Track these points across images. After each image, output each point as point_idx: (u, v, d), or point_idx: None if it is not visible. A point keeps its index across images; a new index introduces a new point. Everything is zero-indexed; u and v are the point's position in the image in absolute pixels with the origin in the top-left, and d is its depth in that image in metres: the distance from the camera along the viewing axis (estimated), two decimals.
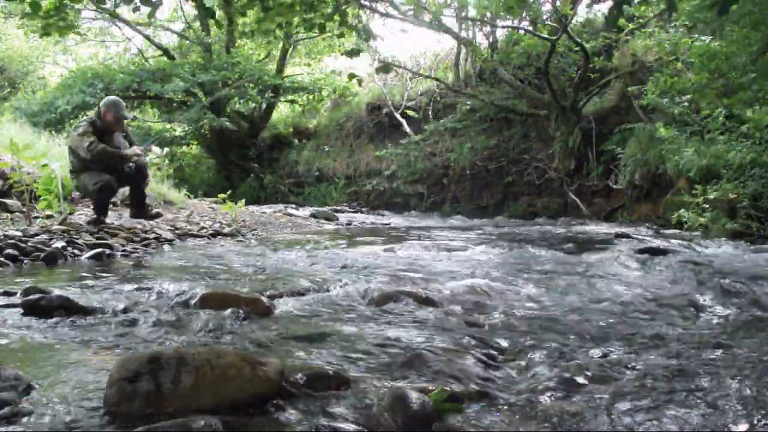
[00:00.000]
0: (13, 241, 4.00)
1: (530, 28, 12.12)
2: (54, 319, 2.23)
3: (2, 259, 3.65)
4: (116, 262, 4.15)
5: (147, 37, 17.40)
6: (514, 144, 13.29)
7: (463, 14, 12.41)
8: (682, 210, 7.15)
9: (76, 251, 4.18)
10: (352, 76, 6.82)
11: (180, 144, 18.17)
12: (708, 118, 7.74)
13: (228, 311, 2.38)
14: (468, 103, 13.86)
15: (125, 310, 2.43)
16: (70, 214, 5.54)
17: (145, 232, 5.49)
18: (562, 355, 1.91)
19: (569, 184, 11.76)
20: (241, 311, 2.39)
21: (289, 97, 17.50)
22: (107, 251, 4.28)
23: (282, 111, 19.04)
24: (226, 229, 6.56)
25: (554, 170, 12.13)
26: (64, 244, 4.23)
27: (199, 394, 1.36)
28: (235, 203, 8.24)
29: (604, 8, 12.14)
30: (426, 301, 2.68)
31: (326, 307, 2.60)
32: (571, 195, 11.53)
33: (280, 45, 16.26)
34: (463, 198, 13.66)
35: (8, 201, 5.66)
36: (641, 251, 4.70)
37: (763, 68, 5.85)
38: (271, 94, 16.14)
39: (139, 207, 5.61)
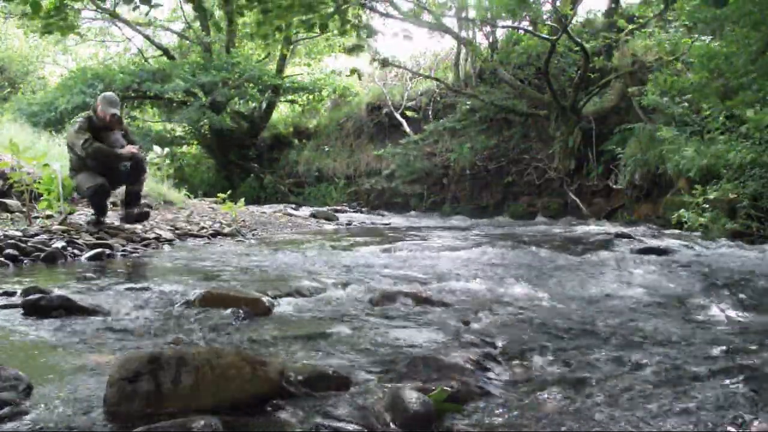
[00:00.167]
0: (13, 241, 4.00)
1: (530, 28, 12.13)
2: (54, 319, 2.23)
3: (2, 259, 3.65)
4: (116, 262, 4.15)
5: (147, 37, 17.40)
6: (514, 144, 13.29)
7: (464, 15, 12.42)
8: (682, 210, 7.15)
9: (76, 251, 4.18)
10: (353, 71, 6.85)
11: (180, 144, 18.17)
12: (708, 118, 7.74)
13: (228, 311, 2.38)
14: (468, 103, 13.86)
15: (125, 310, 2.43)
16: (70, 214, 5.53)
17: (145, 232, 5.49)
18: (562, 355, 1.91)
19: (569, 184, 11.76)
20: (241, 311, 2.39)
21: (289, 97, 17.51)
22: (107, 251, 4.28)
23: (282, 111, 19.03)
24: (226, 229, 6.56)
25: (554, 170, 12.13)
26: (64, 244, 4.23)
27: (199, 394, 1.36)
28: (235, 203, 8.24)
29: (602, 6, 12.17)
30: (426, 301, 2.68)
31: (326, 307, 2.60)
32: (571, 195, 11.53)
33: (280, 46, 16.27)
34: (463, 198, 13.66)
35: (8, 201, 5.65)
36: (641, 251, 4.70)
37: (763, 68, 5.85)
38: (271, 94, 16.14)
39: (128, 207, 5.41)
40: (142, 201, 7.14)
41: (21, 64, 20.68)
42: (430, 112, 15.20)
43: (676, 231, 6.97)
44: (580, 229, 7.81)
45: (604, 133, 11.10)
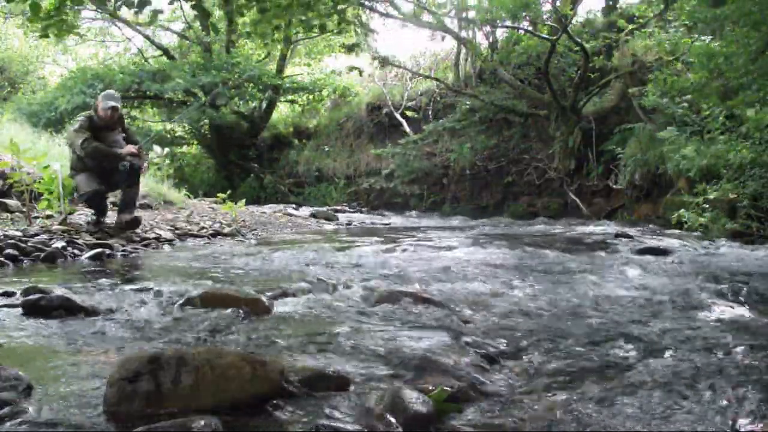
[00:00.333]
0: (13, 241, 4.00)
1: (530, 29, 12.13)
2: (54, 319, 2.23)
3: (2, 259, 3.65)
4: (116, 262, 4.15)
5: (147, 37, 17.40)
6: (514, 144, 13.29)
7: (464, 15, 12.42)
8: (682, 210, 7.15)
9: (76, 251, 4.18)
10: (352, 68, 6.87)
11: (180, 144, 18.16)
12: (708, 118, 7.75)
13: (228, 311, 2.38)
14: (467, 103, 13.86)
15: (125, 310, 2.43)
16: (70, 214, 5.53)
17: (145, 232, 5.49)
18: (562, 355, 1.91)
19: (569, 184, 11.76)
20: (241, 311, 2.39)
21: (289, 97, 17.50)
22: (107, 251, 4.28)
23: (282, 111, 19.04)
24: (226, 229, 6.56)
25: (554, 170, 12.14)
26: (64, 244, 4.23)
27: (199, 394, 1.36)
28: (235, 203, 8.24)
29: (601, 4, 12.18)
30: (426, 301, 2.68)
31: (326, 307, 2.60)
32: (571, 195, 11.53)
33: (279, 47, 16.26)
34: (463, 198, 13.66)
35: (8, 201, 5.65)
36: (641, 251, 4.71)
37: (763, 68, 5.85)
38: (271, 93, 16.13)
39: (120, 213, 5.26)
40: (143, 201, 7.15)
41: (21, 64, 20.67)
42: (430, 112, 15.21)
43: (676, 231, 6.97)
44: (580, 229, 7.81)
45: (604, 133, 11.10)
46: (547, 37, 11.22)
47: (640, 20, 10.97)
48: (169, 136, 17.30)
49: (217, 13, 15.64)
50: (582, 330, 2.25)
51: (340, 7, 4.75)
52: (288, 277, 3.42)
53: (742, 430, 1.36)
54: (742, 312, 2.62)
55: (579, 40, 10.97)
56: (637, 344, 2.05)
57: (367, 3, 11.31)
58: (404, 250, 4.88)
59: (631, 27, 11.01)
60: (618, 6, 12.12)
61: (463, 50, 14.67)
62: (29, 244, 4.04)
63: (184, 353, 1.43)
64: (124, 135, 5.34)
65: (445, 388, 1.51)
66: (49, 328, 2.13)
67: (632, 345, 2.04)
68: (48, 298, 2.37)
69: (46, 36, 4.52)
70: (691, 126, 8.17)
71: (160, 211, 7.69)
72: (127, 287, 2.90)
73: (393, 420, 1.35)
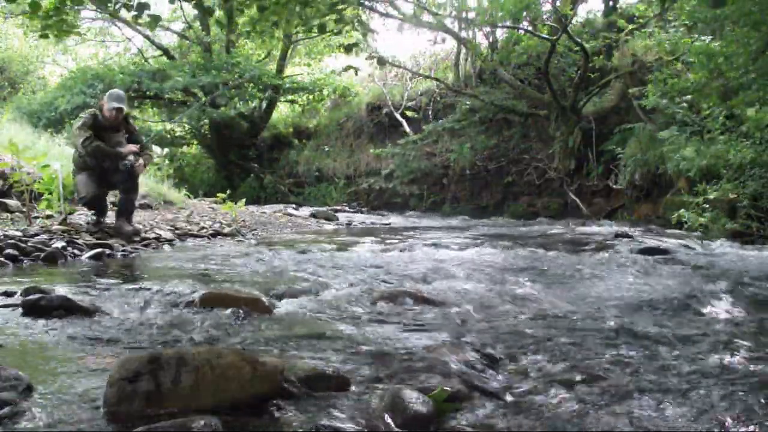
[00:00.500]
0: (13, 241, 4.00)
1: (530, 29, 12.13)
2: (54, 319, 2.23)
3: (2, 259, 3.65)
4: (116, 262, 4.15)
5: (147, 37, 17.39)
6: (514, 144, 13.29)
7: (464, 15, 12.41)
8: (682, 210, 7.16)
9: (76, 251, 4.18)
10: (349, 67, 6.88)
11: (180, 144, 18.15)
12: (708, 118, 7.75)
13: (228, 311, 2.38)
14: (467, 103, 13.86)
15: (125, 310, 2.43)
16: (70, 214, 5.53)
17: (145, 232, 5.49)
18: (562, 355, 1.91)
19: (569, 184, 11.76)
20: (241, 311, 2.39)
21: (289, 97, 17.50)
22: (107, 251, 4.28)
23: (282, 111, 19.04)
24: (226, 229, 6.56)
25: (554, 170, 12.13)
26: (64, 244, 4.23)
27: (199, 394, 1.36)
28: (235, 203, 8.24)
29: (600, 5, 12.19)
30: (426, 301, 2.68)
31: (326, 307, 2.60)
32: (571, 195, 11.53)
33: (280, 45, 16.26)
34: (463, 198, 13.66)
35: (8, 201, 5.66)
36: (641, 251, 4.71)
37: (763, 68, 5.85)
38: (271, 93, 16.13)
39: (119, 217, 5.17)
40: (143, 201, 7.14)
41: (21, 64, 20.67)
42: (430, 112, 15.21)
43: (676, 231, 6.97)
44: (580, 230, 7.81)
45: (604, 133, 11.10)
46: (547, 37, 11.22)
47: (640, 20, 10.97)
48: (169, 136, 17.30)
49: (217, 12, 15.63)
50: (582, 330, 2.25)
51: (339, 7, 4.75)
52: (288, 277, 3.42)
53: (742, 430, 1.36)
54: (742, 312, 2.62)
55: (579, 40, 10.97)
56: (637, 344, 2.05)
57: (367, 3, 11.30)
58: (404, 250, 4.88)
59: (631, 27, 11.00)
60: (618, 6, 12.12)
61: (463, 50, 14.68)
62: (29, 244, 4.04)
63: (184, 353, 1.43)
64: (127, 136, 5.23)
65: (445, 388, 1.51)
66: (49, 328, 2.13)
67: (632, 345, 2.04)
68: (48, 298, 2.37)
69: (46, 36, 4.50)
70: (691, 126, 8.17)
71: (160, 211, 7.69)
72: (127, 287, 2.90)
73: (393, 420, 1.35)
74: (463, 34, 13.69)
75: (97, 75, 14.66)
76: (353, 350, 1.91)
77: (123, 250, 4.54)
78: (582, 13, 12.89)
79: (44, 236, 4.43)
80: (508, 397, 1.56)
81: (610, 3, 11.96)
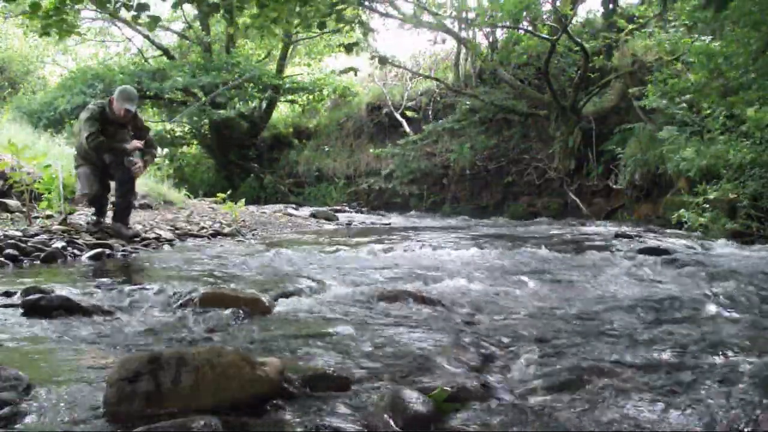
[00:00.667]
0: (13, 241, 4.01)
1: (530, 29, 12.14)
2: (54, 319, 2.23)
3: (2, 259, 3.65)
4: (116, 262, 4.15)
5: (147, 37, 17.40)
6: (514, 144, 13.29)
7: (464, 15, 12.42)
8: (682, 210, 7.16)
9: (76, 251, 4.19)
10: (349, 69, 6.89)
11: (180, 144, 18.16)
12: (708, 118, 7.75)
13: (228, 311, 2.38)
14: (467, 103, 13.86)
15: (125, 310, 2.43)
16: (70, 214, 5.53)
17: (145, 232, 5.49)
18: (562, 355, 1.91)
19: (569, 184, 11.76)
20: (241, 311, 2.39)
21: (289, 97, 17.51)
22: (107, 251, 4.29)
23: (282, 111, 19.04)
24: (226, 229, 6.56)
25: (554, 170, 12.14)
26: (64, 244, 4.23)
27: (199, 394, 1.36)
28: (235, 203, 8.24)
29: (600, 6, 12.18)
30: (426, 301, 2.68)
31: (326, 307, 2.60)
32: (571, 195, 11.53)
33: (280, 45, 16.25)
34: (463, 198, 13.66)
35: (8, 201, 5.66)
36: (641, 251, 4.70)
37: (763, 68, 5.85)
38: (271, 93, 16.13)
39: (116, 220, 5.11)
40: (143, 201, 7.14)
41: (21, 64, 20.68)
42: (430, 112, 15.21)
43: (676, 231, 6.97)
44: (580, 230, 7.81)
45: (604, 133, 11.10)
46: (547, 37, 11.22)
47: (640, 20, 10.97)
48: (169, 136, 17.30)
49: (219, 13, 15.57)
50: (582, 330, 2.25)
51: (338, 7, 4.75)
52: (288, 277, 3.42)
53: (743, 429, 1.36)
54: (742, 312, 2.62)
55: (579, 40, 10.97)
56: (638, 344, 2.05)
57: (367, 3, 11.30)
58: (404, 250, 4.88)
59: (631, 27, 11.00)
60: (618, 6, 12.10)
61: (463, 50, 14.68)
62: (29, 244, 4.04)
63: (184, 353, 1.43)
64: (132, 133, 5.11)
65: (445, 388, 1.51)
66: (49, 328, 2.13)
67: (632, 345, 2.04)
68: (48, 298, 2.37)
69: (47, 34, 4.49)
70: (691, 126, 8.17)
71: (160, 211, 7.69)
72: (127, 287, 2.90)
73: (393, 420, 1.35)
74: (463, 34, 13.69)
75: (97, 75, 14.67)
76: (353, 350, 1.91)
77: (123, 250, 4.54)
78: (582, 13, 12.90)
79: (44, 236, 4.43)
80: (508, 397, 1.56)
81: (610, 5, 11.96)
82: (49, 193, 5.30)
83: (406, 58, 17.59)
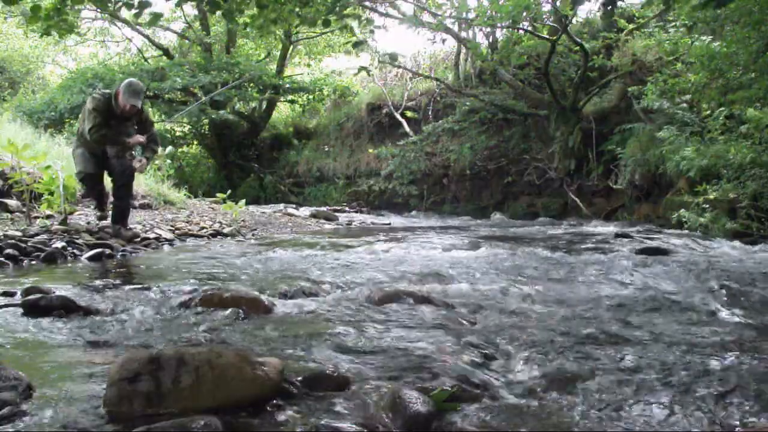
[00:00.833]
0: (13, 241, 4.01)
1: (530, 29, 12.14)
2: (54, 319, 2.23)
3: (2, 259, 3.65)
4: (116, 262, 4.15)
5: (147, 37, 17.41)
6: (514, 144, 13.29)
7: (464, 15, 12.42)
8: (682, 210, 7.16)
9: (76, 251, 4.19)
10: (362, 69, 6.89)
11: (180, 144, 18.16)
12: (708, 118, 7.75)
13: (228, 311, 2.38)
14: (467, 104, 13.85)
15: (125, 310, 2.43)
16: (70, 214, 5.53)
17: (145, 232, 5.49)
18: (562, 355, 1.91)
19: (569, 184, 11.76)
20: (240, 311, 2.39)
21: (289, 97, 17.52)
22: (107, 251, 4.29)
23: (282, 111, 19.04)
24: (226, 229, 6.56)
25: (554, 170, 12.14)
26: (64, 244, 4.23)
27: (199, 394, 1.36)
28: (235, 203, 8.23)
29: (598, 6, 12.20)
30: (425, 301, 2.68)
31: (326, 307, 2.60)
32: (571, 195, 11.53)
33: (280, 45, 16.25)
34: (463, 198, 13.66)
35: (8, 201, 5.66)
36: (641, 251, 4.70)
37: (763, 68, 5.85)
38: (272, 92, 16.13)
39: (115, 222, 5.09)
40: (143, 201, 7.14)
41: (21, 64, 20.68)
42: (430, 112, 15.20)
43: (676, 231, 6.97)
44: (580, 230, 7.81)
45: (604, 133, 11.10)
46: (547, 37, 11.22)
47: (641, 20, 10.97)
48: (169, 136, 17.31)
49: (217, 12, 15.57)
50: (582, 330, 2.25)
51: (337, 8, 4.74)
52: (288, 277, 3.42)
53: (743, 429, 1.36)
54: (742, 312, 2.62)
55: (579, 40, 10.97)
56: (638, 345, 2.05)
57: (367, 3, 11.31)
58: (404, 250, 4.88)
59: (631, 27, 11.00)
60: (618, 6, 12.11)
61: (463, 50, 14.67)
62: (29, 244, 4.04)
63: (184, 353, 1.43)
64: (136, 127, 5.02)
65: (445, 388, 1.51)
66: (49, 328, 2.13)
67: (632, 345, 2.04)
68: (48, 298, 2.37)
69: (48, 33, 4.48)
70: (691, 126, 8.17)
71: (160, 211, 7.69)
72: (127, 287, 2.90)
73: (393, 420, 1.35)
74: (463, 34, 13.69)
75: (97, 75, 14.68)
76: (353, 350, 1.91)
77: (123, 250, 4.54)
78: (582, 13, 12.90)
79: (44, 236, 4.43)
80: (508, 397, 1.56)
81: (608, 8, 11.96)
82: (50, 193, 5.30)
83: (406, 58, 17.59)
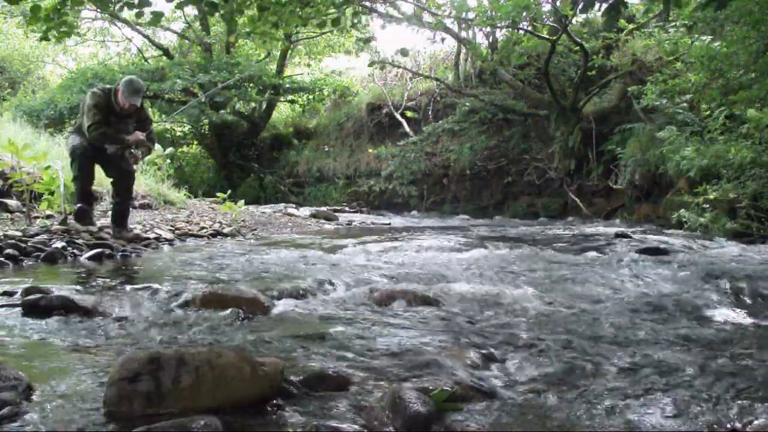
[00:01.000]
0: (13, 241, 4.01)
1: (530, 29, 12.14)
2: (54, 319, 2.23)
3: (2, 259, 3.65)
4: (116, 262, 4.15)
5: (147, 37, 17.41)
6: (514, 144, 13.29)
7: (464, 15, 12.42)
8: (682, 210, 7.16)
9: (76, 251, 4.18)
10: (373, 62, 6.89)
11: (180, 144, 18.16)
12: (708, 118, 7.75)
13: (228, 311, 2.38)
14: (467, 104, 13.86)
15: (125, 310, 2.43)
16: (70, 214, 5.53)
17: (145, 232, 5.49)
18: (561, 355, 1.91)
19: (569, 184, 11.77)
20: (240, 311, 2.39)
21: (289, 97, 17.53)
22: (107, 251, 4.28)
23: (282, 111, 19.04)
24: (226, 229, 6.56)
25: (554, 170, 12.14)
26: (64, 244, 4.23)
27: (199, 394, 1.36)
28: (235, 203, 8.23)
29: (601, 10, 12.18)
30: (426, 301, 2.68)
31: (326, 307, 2.60)
32: (571, 195, 11.53)
33: (280, 45, 16.25)
34: (463, 198, 13.66)
35: (8, 201, 5.66)
36: (641, 251, 4.70)
37: (763, 68, 5.85)
38: (272, 92, 16.13)
39: (114, 224, 5.06)
40: (143, 201, 7.13)
41: (21, 63, 20.69)
42: (430, 112, 15.20)
43: (676, 231, 6.97)
44: (580, 230, 7.81)
45: (604, 133, 11.10)
46: (547, 37, 11.22)
47: (641, 20, 10.97)
48: (169, 136, 17.31)
49: (217, 14, 15.58)
50: (582, 330, 2.25)
51: (340, 7, 4.75)
52: (288, 277, 3.42)
53: (743, 429, 1.36)
54: (742, 312, 2.62)
55: (579, 40, 10.97)
56: (638, 344, 2.05)
57: (367, 3, 11.31)
58: (404, 250, 4.88)
59: (631, 27, 11.00)
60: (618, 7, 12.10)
61: (463, 50, 14.67)
62: (29, 244, 4.04)
63: (184, 353, 1.43)
64: (135, 125, 4.96)
65: (445, 388, 1.51)
66: (49, 328, 2.13)
67: (632, 345, 2.04)
68: (48, 298, 2.37)
69: (47, 39, 4.46)
70: (691, 126, 8.18)
71: (160, 211, 7.69)
72: (127, 287, 2.90)
73: (393, 420, 1.35)
74: (463, 34, 13.69)
75: (97, 75, 14.68)
76: (353, 350, 1.91)
77: (123, 251, 4.53)
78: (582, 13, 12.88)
79: (44, 236, 4.43)
80: (508, 397, 1.56)
81: (612, 12, 11.96)
82: (50, 193, 5.30)
83: (406, 58, 17.58)
